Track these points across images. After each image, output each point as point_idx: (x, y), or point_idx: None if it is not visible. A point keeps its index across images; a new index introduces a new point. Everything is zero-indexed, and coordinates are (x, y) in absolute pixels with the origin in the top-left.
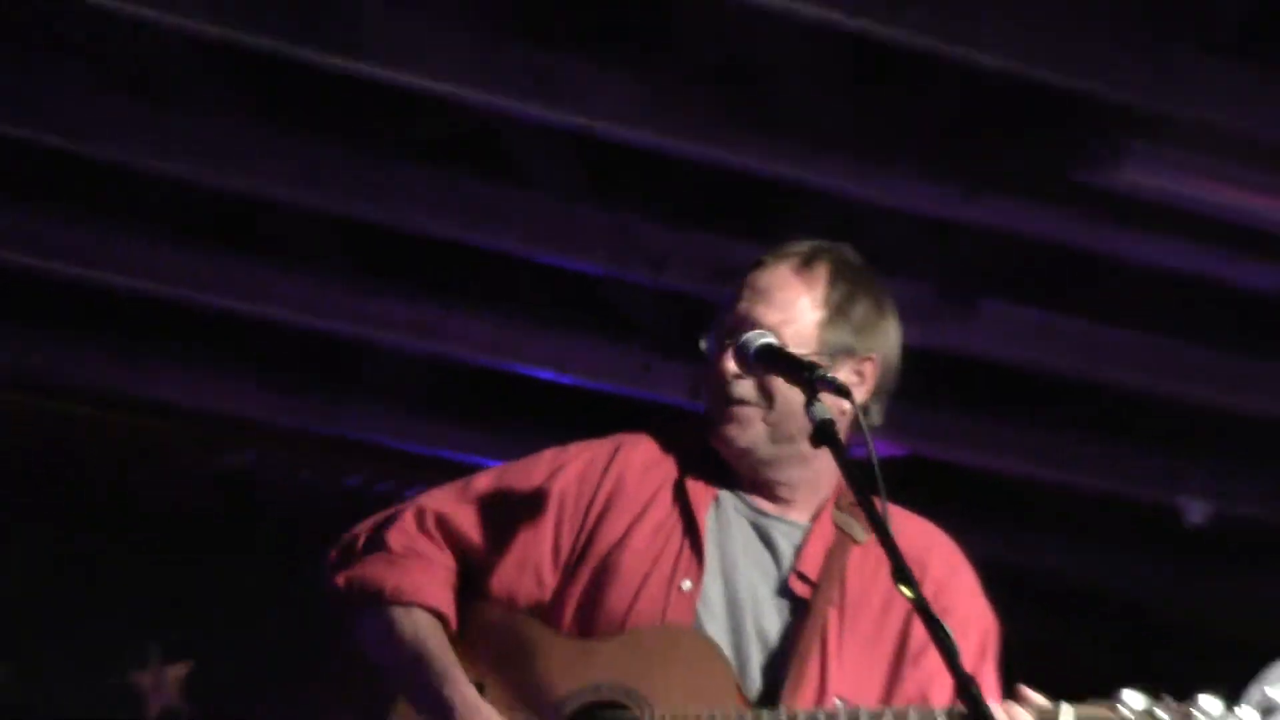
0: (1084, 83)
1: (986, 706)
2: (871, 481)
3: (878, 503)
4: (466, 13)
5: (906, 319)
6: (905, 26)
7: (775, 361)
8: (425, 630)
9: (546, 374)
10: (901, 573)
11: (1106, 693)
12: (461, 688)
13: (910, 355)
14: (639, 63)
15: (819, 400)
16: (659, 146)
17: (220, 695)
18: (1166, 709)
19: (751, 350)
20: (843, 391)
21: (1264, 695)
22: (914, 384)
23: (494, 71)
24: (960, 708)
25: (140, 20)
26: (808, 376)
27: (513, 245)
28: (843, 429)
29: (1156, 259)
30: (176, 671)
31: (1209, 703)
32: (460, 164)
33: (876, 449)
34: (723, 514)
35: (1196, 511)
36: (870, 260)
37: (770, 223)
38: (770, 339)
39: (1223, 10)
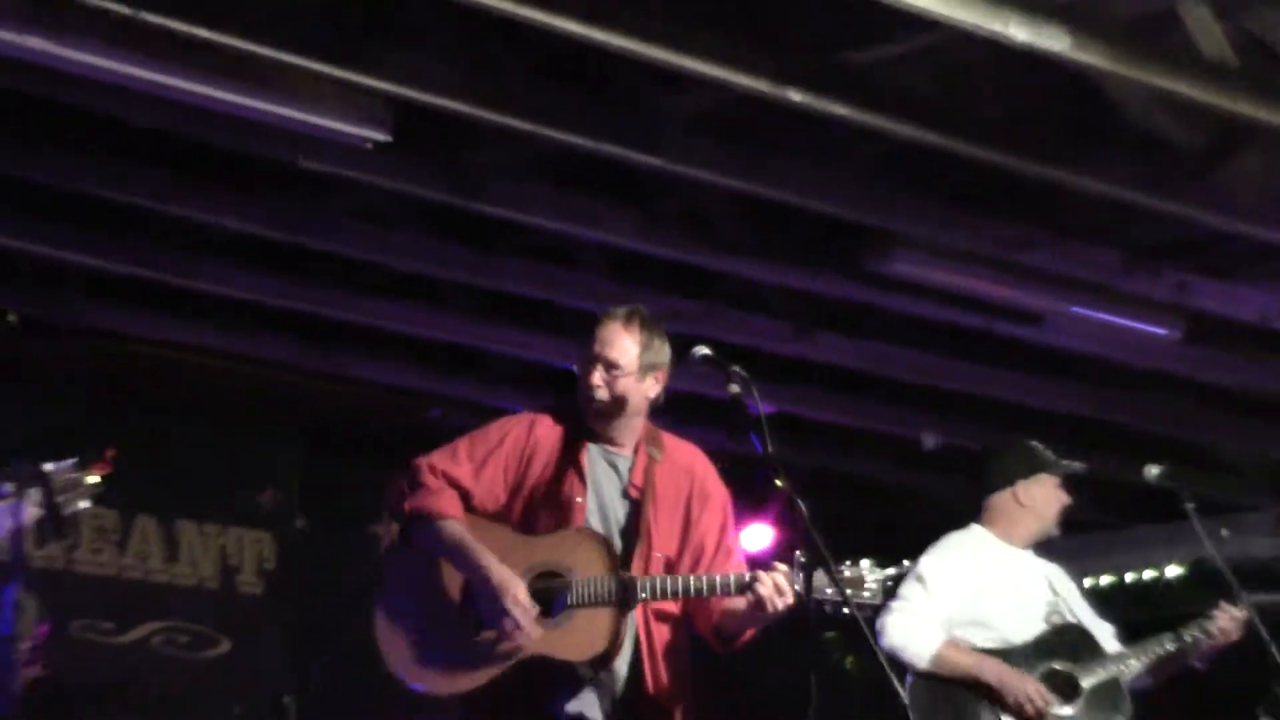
0: (870, 217)
1: (820, 541)
2: (760, 428)
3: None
4: (549, 180)
5: (780, 341)
6: (776, 187)
7: (710, 362)
8: (460, 531)
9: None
10: (774, 471)
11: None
12: (490, 559)
13: (781, 360)
14: (639, 209)
15: (732, 382)
16: (648, 252)
17: None
18: (849, 568)
19: (698, 356)
20: (744, 379)
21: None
22: (784, 375)
23: (564, 212)
24: (742, 574)
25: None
26: (727, 371)
27: (583, 303)
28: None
29: (915, 310)
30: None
31: (867, 563)
32: (550, 261)
33: (764, 407)
34: (591, 456)
35: (930, 442)
36: (757, 313)
37: (708, 290)
38: (708, 351)
39: (945, 174)
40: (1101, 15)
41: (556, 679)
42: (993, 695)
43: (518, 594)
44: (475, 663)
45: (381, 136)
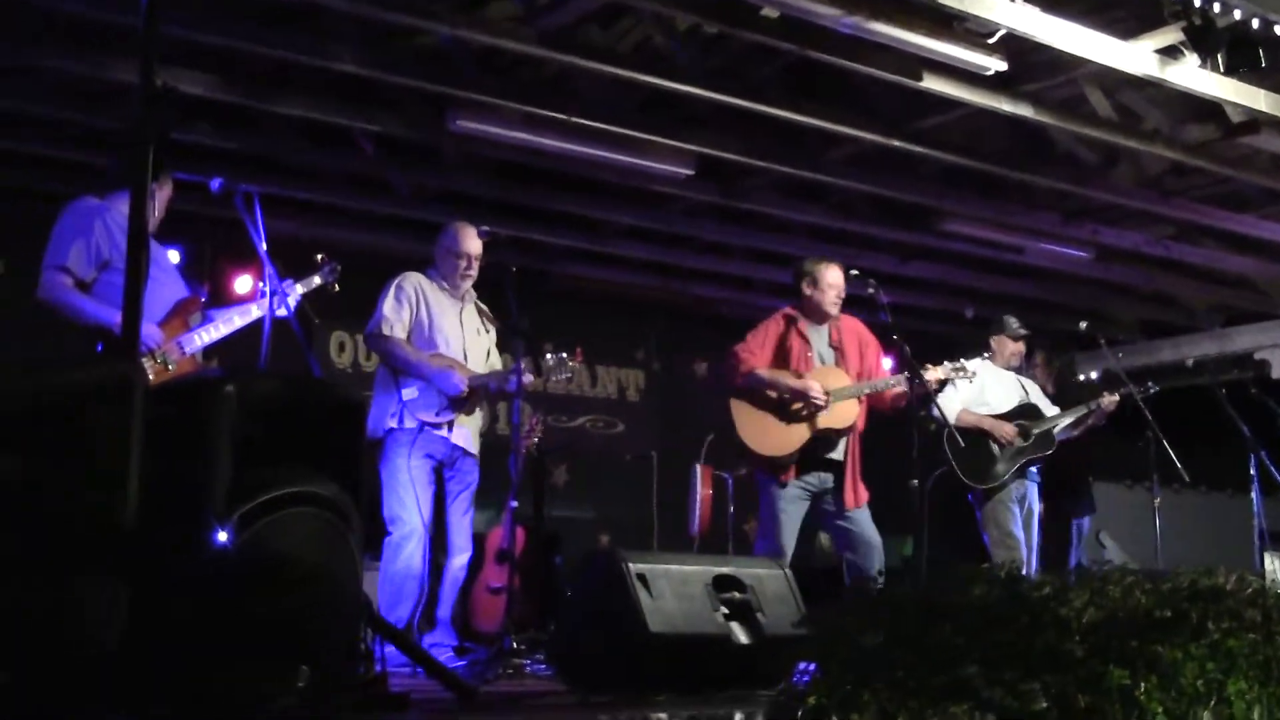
0: (935, 201)
1: (913, 363)
2: (885, 309)
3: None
4: (777, 190)
5: (892, 266)
6: (887, 188)
7: (859, 277)
8: (768, 372)
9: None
10: (894, 330)
11: None
12: (790, 377)
13: (893, 276)
14: (821, 203)
15: (870, 287)
16: (825, 224)
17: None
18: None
19: (853, 274)
20: (875, 284)
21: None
22: (895, 284)
23: (784, 205)
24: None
25: (689, 197)
26: (867, 281)
27: (793, 250)
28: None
29: (959, 248)
30: None
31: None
32: (776, 231)
33: (885, 299)
34: (809, 330)
35: (969, 313)
36: (881, 252)
37: (855, 241)
38: (857, 271)
39: (971, 178)
40: (1047, 96)
41: (826, 440)
42: (988, 434)
43: (814, 384)
44: (789, 438)
45: (689, 171)
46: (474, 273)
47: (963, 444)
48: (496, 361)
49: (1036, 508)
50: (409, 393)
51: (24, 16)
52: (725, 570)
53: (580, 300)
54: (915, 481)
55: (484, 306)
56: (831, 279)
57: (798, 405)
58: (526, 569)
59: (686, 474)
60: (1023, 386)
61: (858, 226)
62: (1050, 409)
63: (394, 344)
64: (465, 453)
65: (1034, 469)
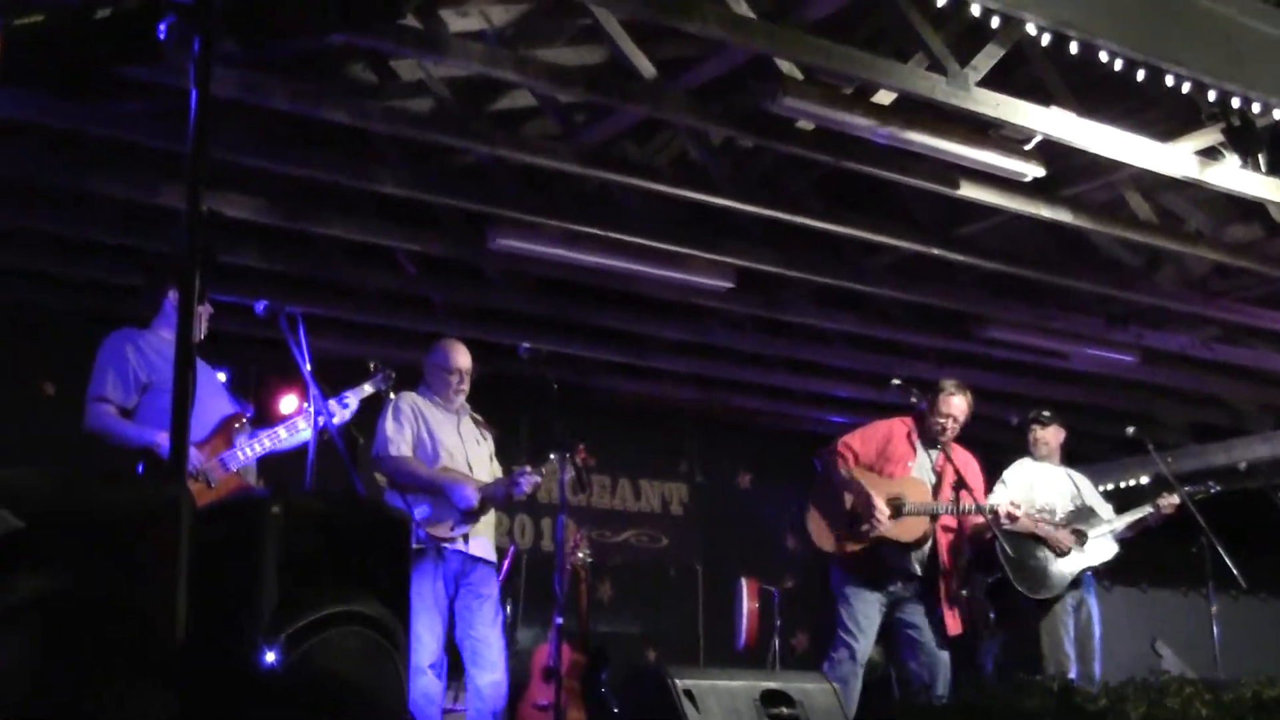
0: (975, 308)
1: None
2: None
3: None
4: (814, 301)
5: (929, 373)
6: (927, 296)
7: (900, 387)
8: (857, 475)
9: (840, 418)
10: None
11: None
12: (867, 487)
13: (930, 381)
14: (855, 311)
15: (910, 395)
16: (861, 333)
17: None
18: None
19: (894, 383)
20: (914, 390)
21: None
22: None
23: (820, 315)
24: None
25: (732, 310)
26: (906, 390)
27: (832, 362)
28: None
29: (1001, 354)
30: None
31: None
32: (815, 341)
33: (923, 405)
34: (920, 445)
35: (1014, 420)
36: (919, 360)
37: (892, 349)
38: (899, 380)
39: (1012, 285)
40: (1087, 200)
41: (894, 550)
42: (1042, 539)
43: (880, 503)
44: (855, 539)
45: (729, 284)
46: (466, 388)
47: (1011, 553)
48: (497, 469)
49: (1095, 612)
50: (421, 510)
51: (72, 143)
52: (773, 685)
53: (622, 414)
54: (965, 591)
55: (479, 416)
56: (949, 408)
57: (864, 511)
58: (573, 686)
59: (731, 587)
60: (1074, 483)
61: (898, 334)
62: (1104, 508)
63: (403, 462)
64: (483, 561)
65: (1090, 573)
